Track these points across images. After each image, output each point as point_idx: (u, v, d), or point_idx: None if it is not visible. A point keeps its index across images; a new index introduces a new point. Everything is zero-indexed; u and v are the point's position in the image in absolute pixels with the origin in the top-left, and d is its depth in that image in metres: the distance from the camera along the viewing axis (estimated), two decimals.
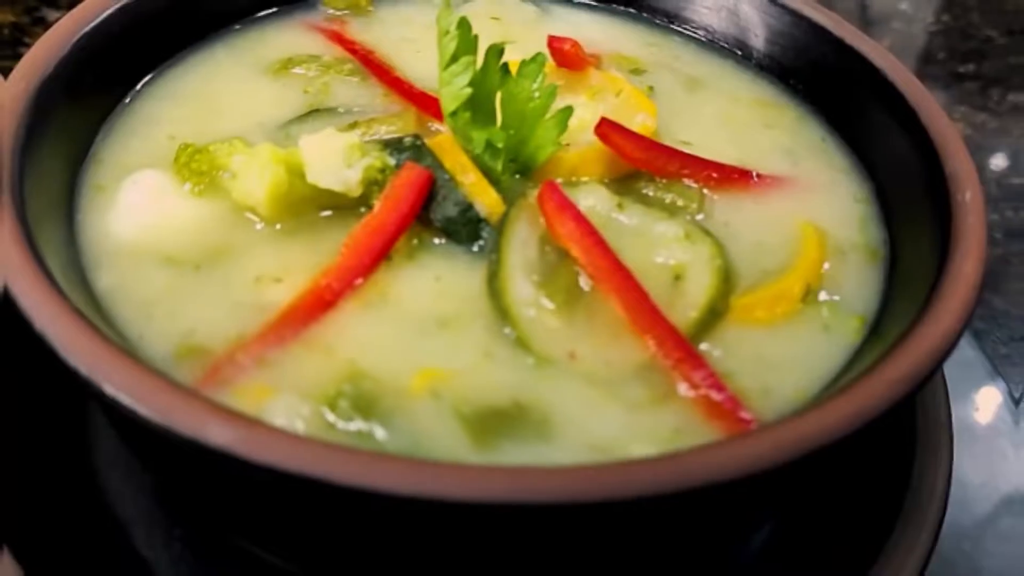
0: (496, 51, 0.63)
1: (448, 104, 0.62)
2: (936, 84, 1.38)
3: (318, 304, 0.56)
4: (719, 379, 0.54)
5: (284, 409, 0.50)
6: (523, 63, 0.65)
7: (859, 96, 0.71)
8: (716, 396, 0.53)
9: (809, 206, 0.67)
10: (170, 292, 0.57)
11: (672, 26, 0.85)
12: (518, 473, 0.43)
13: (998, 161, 1.22)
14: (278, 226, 0.62)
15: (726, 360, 0.56)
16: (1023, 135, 1.26)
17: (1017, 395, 0.83)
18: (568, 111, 0.64)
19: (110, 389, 0.44)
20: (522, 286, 0.58)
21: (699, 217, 0.65)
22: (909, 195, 0.64)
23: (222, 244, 0.60)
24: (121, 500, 0.65)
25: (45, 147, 0.60)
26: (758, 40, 0.80)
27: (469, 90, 0.60)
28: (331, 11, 0.83)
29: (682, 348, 0.54)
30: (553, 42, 0.71)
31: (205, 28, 0.78)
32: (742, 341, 0.57)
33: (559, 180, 0.66)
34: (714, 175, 0.67)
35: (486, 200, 0.62)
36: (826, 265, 0.63)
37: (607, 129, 0.64)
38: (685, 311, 0.57)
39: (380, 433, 0.50)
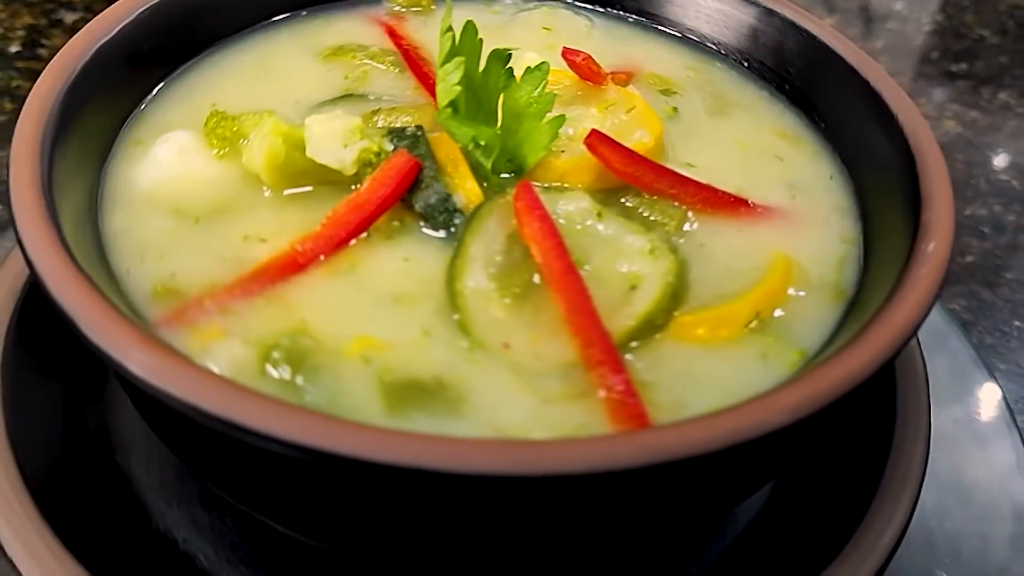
0: (499, 55, 0.67)
1: (440, 99, 0.66)
2: (930, 83, 1.42)
3: (289, 266, 0.62)
4: (633, 386, 0.56)
5: (224, 351, 0.56)
6: (527, 70, 0.68)
7: (872, 139, 0.71)
8: (625, 400, 0.55)
9: (793, 239, 0.68)
10: (166, 238, 0.64)
11: (716, 51, 0.85)
12: (396, 436, 0.47)
13: (988, 158, 1.25)
14: (285, 193, 0.68)
15: (652, 371, 0.58)
16: (1013, 133, 1.29)
17: (1001, 383, 0.87)
18: (559, 120, 0.67)
19: (60, 301, 0.50)
20: (476, 275, 0.61)
21: (675, 235, 0.67)
22: (889, 243, 0.63)
23: (227, 203, 0.67)
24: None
25: (94, 104, 0.68)
26: (794, 73, 0.80)
27: (459, 88, 0.64)
28: (395, 7, 0.88)
29: (607, 352, 0.57)
30: (567, 54, 0.74)
31: (275, 11, 0.85)
32: (675, 356, 0.59)
33: (548, 184, 0.69)
34: (701, 198, 0.68)
35: (466, 193, 0.66)
36: (792, 293, 0.63)
37: (596, 140, 0.67)
38: (624, 319, 0.59)
39: (302, 386, 0.55)
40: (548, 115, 0.68)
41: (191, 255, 0.63)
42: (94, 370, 0.77)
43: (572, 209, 0.66)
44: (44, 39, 1.37)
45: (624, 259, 0.64)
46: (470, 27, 0.66)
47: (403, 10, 0.88)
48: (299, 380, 0.55)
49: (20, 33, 1.38)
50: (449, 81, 0.64)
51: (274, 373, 0.55)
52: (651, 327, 0.59)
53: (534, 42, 0.85)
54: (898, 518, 0.68)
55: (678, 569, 0.71)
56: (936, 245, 0.58)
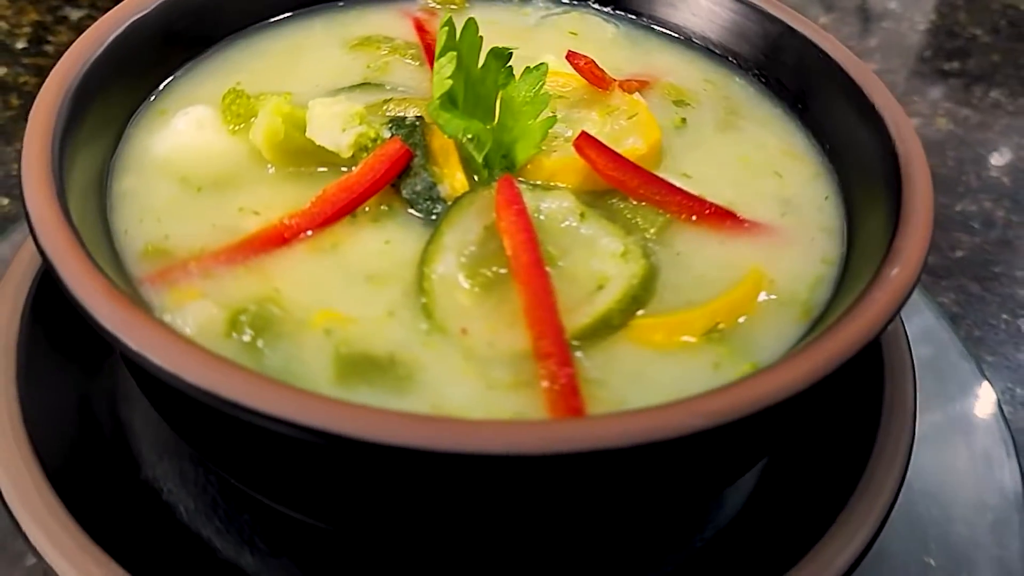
0: (499, 53, 0.69)
1: (434, 92, 0.68)
2: (923, 81, 1.46)
3: (275, 239, 0.65)
4: (575, 380, 0.57)
5: (196, 310, 0.60)
6: (525, 69, 0.70)
7: (869, 163, 0.71)
8: (565, 393, 0.56)
9: (773, 256, 0.68)
10: (167, 203, 0.68)
11: (736, 65, 0.86)
12: (314, 400, 0.49)
13: (979, 155, 1.28)
14: (288, 171, 0.72)
15: (601, 369, 0.59)
16: (1003, 131, 1.33)
17: (988, 374, 0.90)
18: (551, 120, 0.69)
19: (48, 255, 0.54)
20: (446, 261, 0.63)
21: (654, 241, 0.68)
22: (865, 266, 0.63)
23: (230, 176, 0.71)
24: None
25: (121, 74, 0.73)
26: (807, 91, 0.80)
27: (450, 81, 0.66)
28: (430, 3, 0.91)
29: (557, 345, 0.58)
30: (571, 57, 0.76)
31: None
32: (628, 357, 0.60)
33: (538, 181, 0.71)
34: (685, 207, 0.69)
35: (452, 183, 0.68)
36: (758, 308, 0.64)
37: (583, 143, 0.68)
38: (582, 316, 0.61)
39: (261, 349, 0.58)
40: (543, 115, 0.70)
41: (187, 221, 0.67)
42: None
43: (556, 207, 0.68)
44: (50, 35, 1.39)
45: (597, 259, 0.65)
46: (471, 24, 0.68)
47: (437, 6, 0.91)
48: (260, 343, 0.58)
49: (26, 30, 1.40)
50: (442, 74, 0.67)
51: (237, 336, 0.59)
52: (607, 326, 0.61)
53: (560, 45, 0.87)
54: (882, 501, 0.69)
55: (650, 560, 0.72)
56: (900, 271, 0.58)
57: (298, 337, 0.59)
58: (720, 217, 0.69)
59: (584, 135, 0.69)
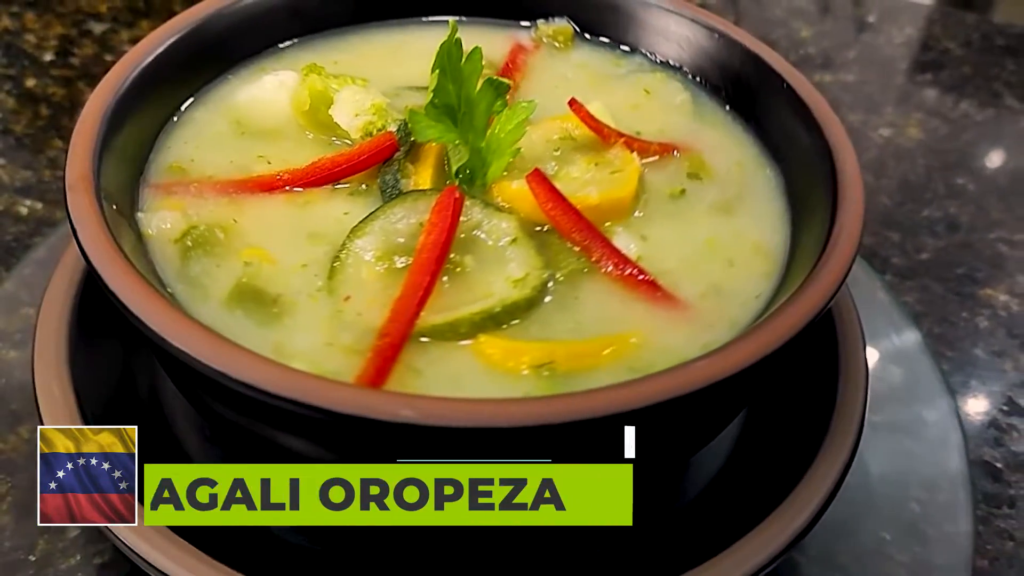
0: (495, 83, 0.78)
1: (424, 101, 0.78)
2: (897, 93, 1.56)
3: (262, 185, 0.79)
4: (393, 362, 0.65)
5: (165, 217, 0.74)
6: (516, 104, 0.78)
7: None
8: (378, 367, 0.65)
9: (660, 328, 0.70)
10: (211, 136, 0.84)
11: (775, 156, 0.87)
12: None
13: (946, 163, 1.38)
14: (321, 138, 0.85)
15: (428, 364, 0.66)
16: (971, 140, 1.43)
17: (946, 368, 1.02)
18: (514, 151, 0.77)
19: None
20: (369, 238, 0.73)
21: (562, 280, 0.73)
22: None
23: (272, 131, 0.86)
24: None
25: (239, 33, 0.90)
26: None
27: (430, 95, 0.76)
28: (542, 37, 1.01)
29: (400, 329, 0.67)
30: (572, 104, 0.82)
31: (438, 11, 1.02)
32: (458, 363, 0.66)
33: (499, 202, 0.79)
34: (606, 259, 0.73)
35: (417, 180, 0.78)
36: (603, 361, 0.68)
37: (533, 177, 0.75)
38: (439, 317, 0.69)
39: (191, 256, 0.72)
40: (516, 146, 0.78)
41: (215, 153, 0.83)
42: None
43: (495, 226, 0.76)
44: (76, 48, 1.46)
45: (497, 278, 0.72)
46: (476, 52, 0.78)
47: (547, 41, 1.00)
48: (193, 253, 0.72)
49: (53, 43, 1.47)
50: (431, 86, 0.77)
51: (182, 242, 0.73)
52: (454, 332, 0.68)
53: (628, 98, 0.93)
54: (841, 460, 0.76)
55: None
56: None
57: (222, 259, 0.73)
58: (636, 280, 0.73)
59: (537, 171, 0.75)
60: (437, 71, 0.76)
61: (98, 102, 0.76)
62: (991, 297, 1.15)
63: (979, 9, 3.05)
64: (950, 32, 1.71)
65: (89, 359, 0.81)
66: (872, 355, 0.96)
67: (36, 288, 0.93)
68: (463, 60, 0.78)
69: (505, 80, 0.79)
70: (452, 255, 0.73)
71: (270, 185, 0.79)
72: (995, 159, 1.42)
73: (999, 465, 0.95)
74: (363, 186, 0.80)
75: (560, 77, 0.96)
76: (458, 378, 0.66)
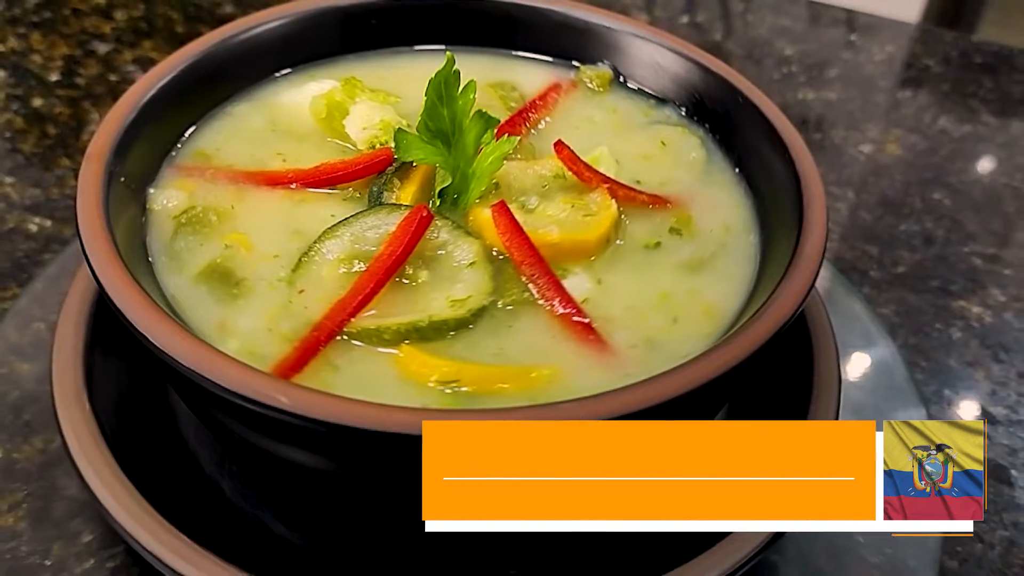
0: (484, 116, 0.83)
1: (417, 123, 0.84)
2: (876, 110, 1.61)
3: (270, 179, 0.87)
4: (314, 355, 0.71)
5: (171, 195, 0.84)
6: (504, 138, 0.83)
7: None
8: (298, 359, 0.71)
9: (580, 368, 0.72)
10: (244, 130, 0.93)
11: (767, 217, 0.87)
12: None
13: (924, 179, 1.43)
14: (340, 147, 0.93)
15: (348, 363, 0.71)
16: (948, 156, 1.48)
17: (920, 377, 1.08)
18: (487, 181, 0.82)
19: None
20: (337, 240, 0.79)
21: (504, 307, 0.77)
22: None
23: (300, 133, 0.94)
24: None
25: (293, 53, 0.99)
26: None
27: (419, 119, 0.82)
28: (583, 78, 1.04)
29: (331, 328, 0.72)
30: (557, 145, 0.85)
31: (504, 42, 1.07)
32: (374, 366, 0.71)
33: (470, 227, 0.83)
34: (548, 294, 0.76)
35: (399, 195, 0.84)
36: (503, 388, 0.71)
37: (497, 209, 0.80)
38: (370, 321, 0.74)
39: (183, 233, 0.81)
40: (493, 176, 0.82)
41: (240, 145, 0.91)
42: None
43: (458, 248, 0.80)
44: (81, 68, 1.49)
45: (441, 295, 0.77)
46: (471, 84, 0.83)
47: (586, 83, 1.04)
48: (185, 230, 0.81)
49: (58, 63, 1.49)
50: (422, 110, 0.82)
51: (178, 218, 0.82)
52: (379, 338, 0.72)
53: (641, 147, 0.96)
54: None
55: None
56: None
57: (207, 239, 0.81)
58: (570, 320, 0.76)
59: (502, 203, 0.80)
60: (432, 97, 0.82)
61: (140, 88, 0.86)
62: (965, 309, 1.19)
63: (964, 28, 3.16)
64: (930, 50, 1.78)
65: (105, 372, 0.85)
66: (848, 366, 1.03)
67: (47, 303, 1.00)
68: (459, 90, 0.82)
69: (494, 116, 0.83)
70: (409, 269, 0.78)
71: (275, 180, 0.87)
72: (971, 174, 1.46)
73: None
74: (357, 193, 0.86)
75: (586, 119, 0.99)
76: (370, 380, 0.71)
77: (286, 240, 0.82)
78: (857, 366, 1.04)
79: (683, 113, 1.00)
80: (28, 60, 1.51)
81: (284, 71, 1.01)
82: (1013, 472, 0.98)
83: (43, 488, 0.85)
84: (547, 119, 0.99)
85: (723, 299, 0.80)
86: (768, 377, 0.87)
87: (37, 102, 1.41)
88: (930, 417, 0.99)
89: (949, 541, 0.89)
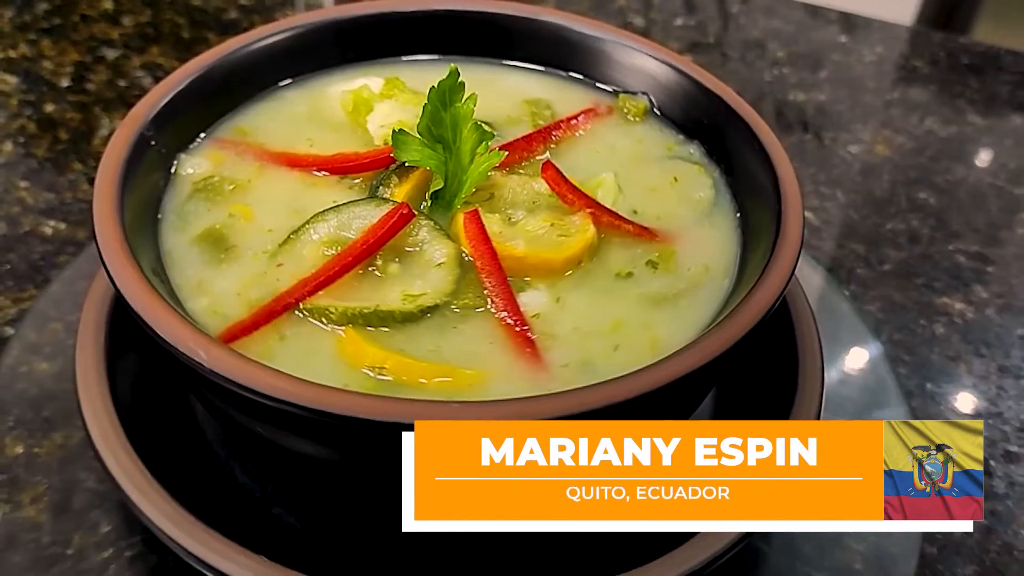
0: (479, 129, 0.87)
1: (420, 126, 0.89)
2: (865, 111, 1.63)
3: (291, 161, 0.95)
4: (258, 324, 0.77)
5: (199, 161, 0.93)
6: (494, 152, 0.88)
7: None
8: (244, 326, 0.77)
9: (508, 376, 0.75)
10: (286, 115, 1.01)
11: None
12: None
13: (910, 178, 1.47)
14: (365, 140, 1.00)
15: (293, 334, 0.77)
16: (934, 156, 1.52)
17: (904, 372, 1.13)
18: (469, 190, 0.86)
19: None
20: (326, 223, 0.86)
21: (458, 311, 0.81)
22: None
23: (336, 123, 1.01)
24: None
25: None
26: None
27: (421, 122, 0.87)
28: (623, 107, 1.07)
29: (281, 301, 0.79)
30: (545, 167, 0.88)
31: (553, 62, 1.11)
32: (316, 343, 0.76)
33: (452, 232, 0.88)
34: (500, 304, 0.80)
35: (393, 192, 0.90)
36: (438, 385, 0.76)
37: (469, 216, 0.84)
38: (323, 299, 0.80)
39: (195, 198, 0.90)
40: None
41: (278, 127, 0.99)
42: None
43: (432, 248, 0.85)
44: (91, 74, 1.51)
45: (398, 289, 0.82)
46: (473, 96, 0.87)
47: (623, 110, 1.06)
48: (198, 194, 0.90)
49: (69, 69, 1.52)
50: (422, 115, 0.88)
51: (199, 182, 0.91)
52: (327, 316, 0.77)
53: (652, 180, 0.97)
54: None
55: None
56: None
57: (215, 205, 0.89)
58: (513, 330, 0.79)
59: (474, 211, 0.84)
60: (435, 103, 0.87)
61: (193, 66, 0.95)
62: (948, 306, 1.24)
63: (959, 29, 3.17)
64: (918, 51, 1.81)
65: (126, 370, 0.89)
66: (834, 362, 1.09)
67: (63, 304, 1.07)
68: (462, 101, 0.87)
69: (490, 131, 0.87)
70: (381, 260, 0.84)
71: (295, 162, 0.94)
72: (956, 174, 1.49)
73: None
74: (363, 184, 0.92)
75: (608, 146, 1.02)
76: (308, 354, 0.77)
77: (285, 217, 0.89)
78: (844, 362, 1.11)
79: (705, 152, 1.00)
80: (39, 66, 1.54)
81: (344, 65, 1.08)
82: (991, 462, 1.03)
83: (63, 481, 0.90)
84: (572, 139, 1.01)
85: (672, 336, 0.81)
86: (754, 371, 0.93)
87: (49, 107, 1.44)
88: (911, 411, 1.06)
89: None
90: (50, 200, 1.26)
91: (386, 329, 0.79)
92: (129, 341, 0.88)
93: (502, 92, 1.07)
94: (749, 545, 0.79)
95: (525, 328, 0.79)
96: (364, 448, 0.72)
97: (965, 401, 1.11)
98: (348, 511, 0.89)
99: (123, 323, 0.88)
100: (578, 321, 0.81)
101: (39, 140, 1.38)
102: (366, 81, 1.04)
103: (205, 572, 0.74)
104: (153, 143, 0.89)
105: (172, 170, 0.92)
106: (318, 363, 0.76)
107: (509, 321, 0.79)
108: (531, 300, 0.82)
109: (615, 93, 1.07)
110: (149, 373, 0.90)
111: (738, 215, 0.93)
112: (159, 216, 0.88)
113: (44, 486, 0.90)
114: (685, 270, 0.87)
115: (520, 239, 0.84)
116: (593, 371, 0.78)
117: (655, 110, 1.05)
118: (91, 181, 0.86)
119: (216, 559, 0.74)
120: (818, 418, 0.87)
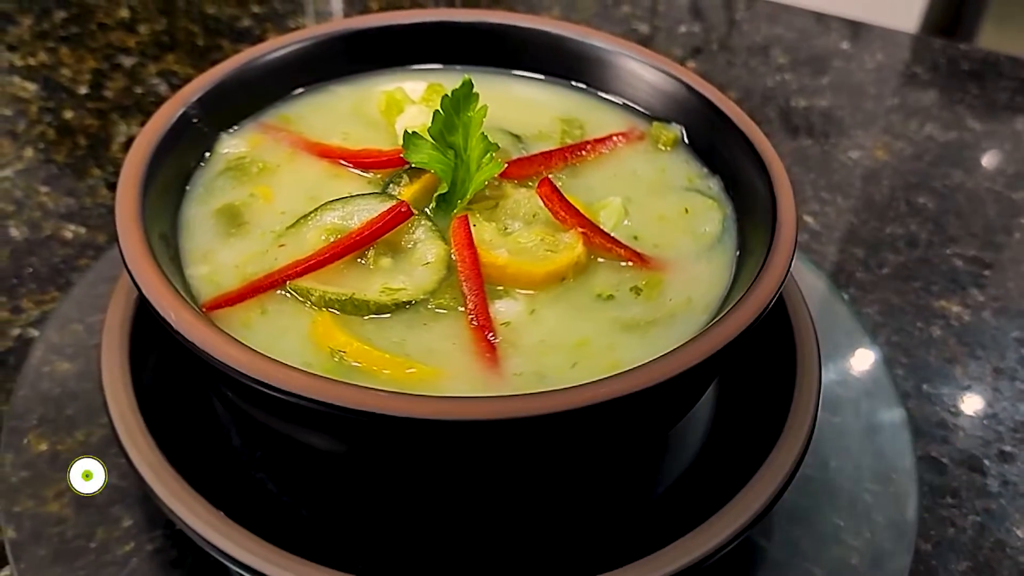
0: (484, 140, 0.91)
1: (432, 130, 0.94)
2: (865, 116, 1.66)
3: (321, 152, 1.00)
4: (247, 296, 0.84)
5: (235, 144, 1.00)
6: (495, 161, 0.91)
7: None
8: (226, 299, 0.84)
9: (459, 380, 0.78)
10: (329, 107, 1.07)
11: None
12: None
13: (909, 183, 1.50)
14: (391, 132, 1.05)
15: (266, 311, 0.82)
16: (932, 161, 1.55)
17: (901, 373, 1.17)
18: (467, 199, 0.90)
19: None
20: (332, 212, 0.90)
21: (435, 309, 0.85)
22: None
23: (372, 120, 1.07)
24: None
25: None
26: None
27: (432, 126, 0.92)
28: (654, 134, 1.08)
29: (269, 279, 0.84)
30: (543, 181, 0.91)
31: (594, 83, 1.14)
32: (288, 321, 0.80)
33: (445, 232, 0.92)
34: (472, 311, 0.83)
35: (402, 191, 0.95)
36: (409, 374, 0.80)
37: (458, 223, 0.88)
38: (307, 281, 0.85)
39: (225, 175, 0.97)
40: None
41: (319, 118, 1.05)
42: None
43: (425, 247, 0.89)
44: (109, 81, 1.54)
45: (386, 279, 0.86)
46: (483, 109, 0.91)
47: (655, 138, 1.07)
48: (227, 172, 0.97)
49: (87, 76, 1.55)
50: (432, 120, 0.92)
51: (229, 161, 0.98)
52: (306, 297, 0.82)
53: (663, 209, 0.98)
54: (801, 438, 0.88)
55: None
56: None
57: (240, 184, 0.96)
58: (479, 333, 0.82)
59: (464, 217, 0.88)
60: (448, 110, 0.91)
61: (244, 56, 1.03)
62: (945, 308, 1.26)
63: (963, 36, 3.16)
64: (919, 57, 1.84)
65: (151, 370, 0.92)
66: (833, 363, 1.11)
67: (84, 306, 1.10)
68: (474, 110, 0.91)
69: (493, 142, 0.91)
70: (372, 253, 0.88)
71: (324, 153, 1.00)
72: (954, 179, 1.52)
73: (944, 461, 1.07)
74: (380, 180, 0.98)
75: (631, 171, 1.03)
76: (283, 330, 0.82)
77: (300, 202, 0.94)
78: (842, 364, 1.13)
79: (723, 187, 1.00)
80: (58, 74, 1.59)
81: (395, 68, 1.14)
82: (986, 462, 1.06)
83: None
84: (596, 160, 1.03)
85: (633, 362, 0.79)
86: (753, 371, 0.96)
87: (68, 114, 1.48)
88: (907, 411, 1.07)
89: (924, 526, 0.98)
90: (70, 205, 1.30)
91: (358, 317, 0.83)
92: (152, 340, 0.92)
93: (539, 108, 1.10)
94: (748, 540, 0.80)
95: (489, 333, 0.82)
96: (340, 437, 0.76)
97: (961, 402, 1.14)
98: (356, 503, 0.94)
99: (146, 322, 0.91)
100: (545, 335, 0.83)
101: (59, 146, 1.42)
102: (411, 83, 1.09)
103: (225, 563, 0.78)
104: (195, 120, 0.97)
105: (211, 147, 0.99)
106: (289, 340, 0.81)
107: (475, 323, 0.82)
108: (506, 308, 0.85)
109: (650, 119, 1.08)
110: (170, 371, 0.93)
111: (738, 254, 0.93)
112: (188, 187, 0.95)
113: (67, 482, 0.93)
114: (667, 300, 0.88)
115: (506, 249, 0.87)
116: (544, 383, 0.79)
117: (685, 140, 1.06)
118: (110, 186, 0.92)
119: (238, 551, 0.77)
120: (815, 419, 0.89)
